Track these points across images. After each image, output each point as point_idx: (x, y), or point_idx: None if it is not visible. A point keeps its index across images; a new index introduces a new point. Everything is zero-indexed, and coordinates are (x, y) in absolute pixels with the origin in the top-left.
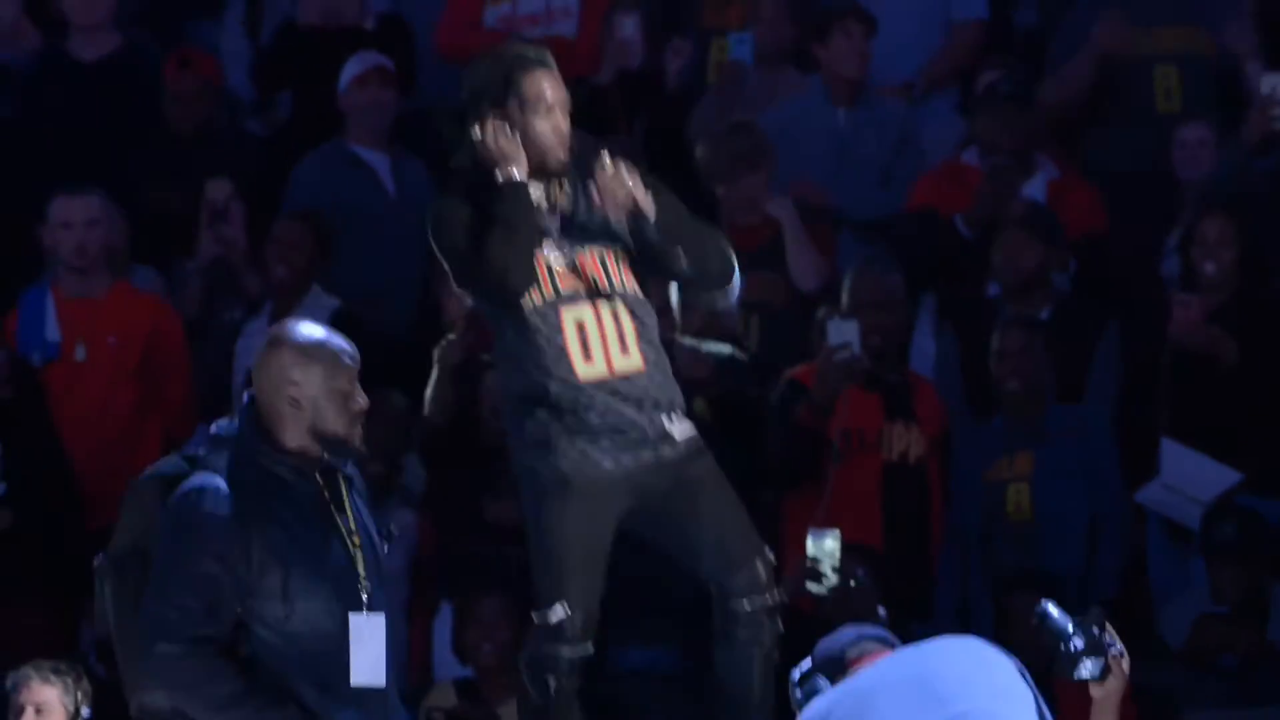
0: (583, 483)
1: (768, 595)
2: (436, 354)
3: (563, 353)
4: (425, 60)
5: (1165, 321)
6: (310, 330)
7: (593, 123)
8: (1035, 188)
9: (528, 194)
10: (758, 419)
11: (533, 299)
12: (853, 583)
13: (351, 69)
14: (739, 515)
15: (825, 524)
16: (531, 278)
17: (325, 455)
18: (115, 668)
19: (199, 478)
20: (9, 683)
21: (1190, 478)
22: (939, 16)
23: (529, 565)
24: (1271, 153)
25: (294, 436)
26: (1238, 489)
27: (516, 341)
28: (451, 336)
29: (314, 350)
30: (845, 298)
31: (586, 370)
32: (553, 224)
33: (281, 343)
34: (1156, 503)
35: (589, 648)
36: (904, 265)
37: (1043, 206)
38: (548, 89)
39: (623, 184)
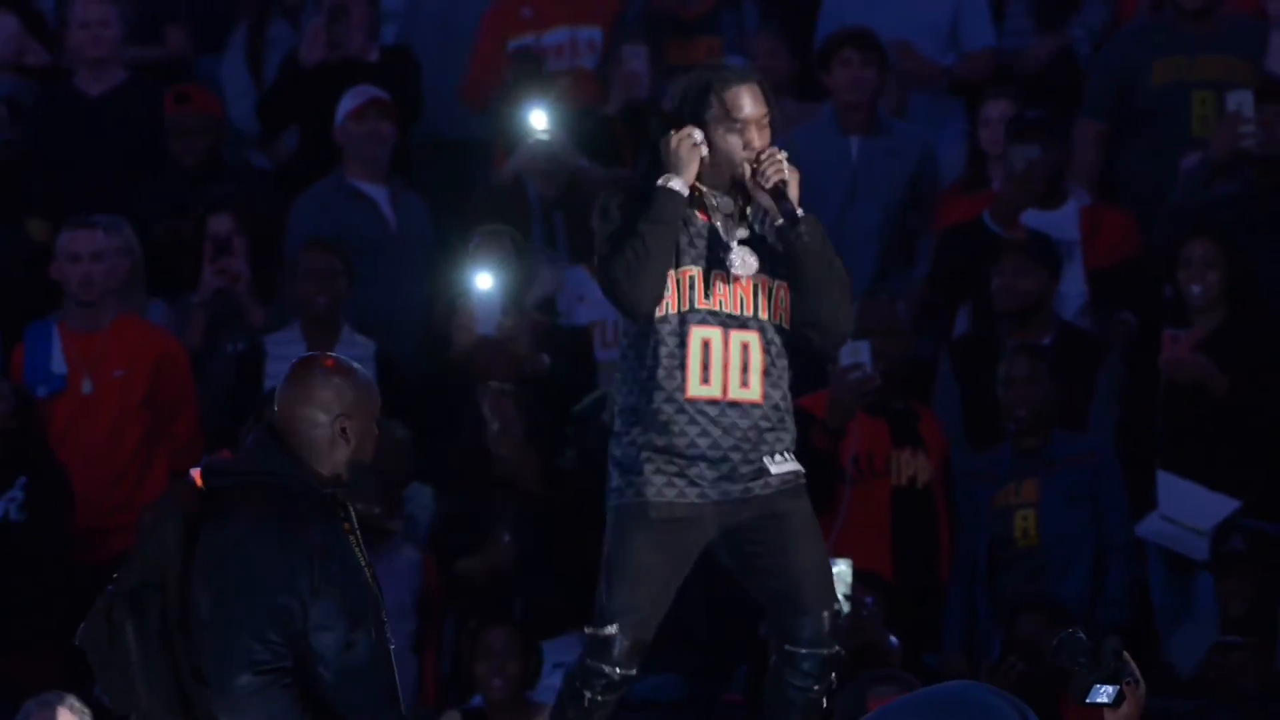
0: (663, 514)
1: (828, 648)
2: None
3: (680, 368)
4: (432, 92)
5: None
6: (355, 364)
7: (599, 154)
8: (1068, 214)
9: (678, 205)
10: None
11: (668, 308)
12: (863, 612)
13: (348, 102)
14: (820, 563)
15: (837, 550)
16: (651, 292)
17: (348, 487)
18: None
19: (249, 513)
20: (24, 711)
21: (1188, 509)
22: (946, 44)
23: (539, 596)
24: (1239, 171)
25: (330, 465)
26: (1237, 516)
27: (640, 348)
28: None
29: (368, 386)
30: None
31: (699, 390)
32: (733, 237)
33: (342, 373)
34: (1157, 535)
35: (633, 673)
36: (943, 281)
37: (1043, 234)
38: (744, 104)
39: (779, 165)
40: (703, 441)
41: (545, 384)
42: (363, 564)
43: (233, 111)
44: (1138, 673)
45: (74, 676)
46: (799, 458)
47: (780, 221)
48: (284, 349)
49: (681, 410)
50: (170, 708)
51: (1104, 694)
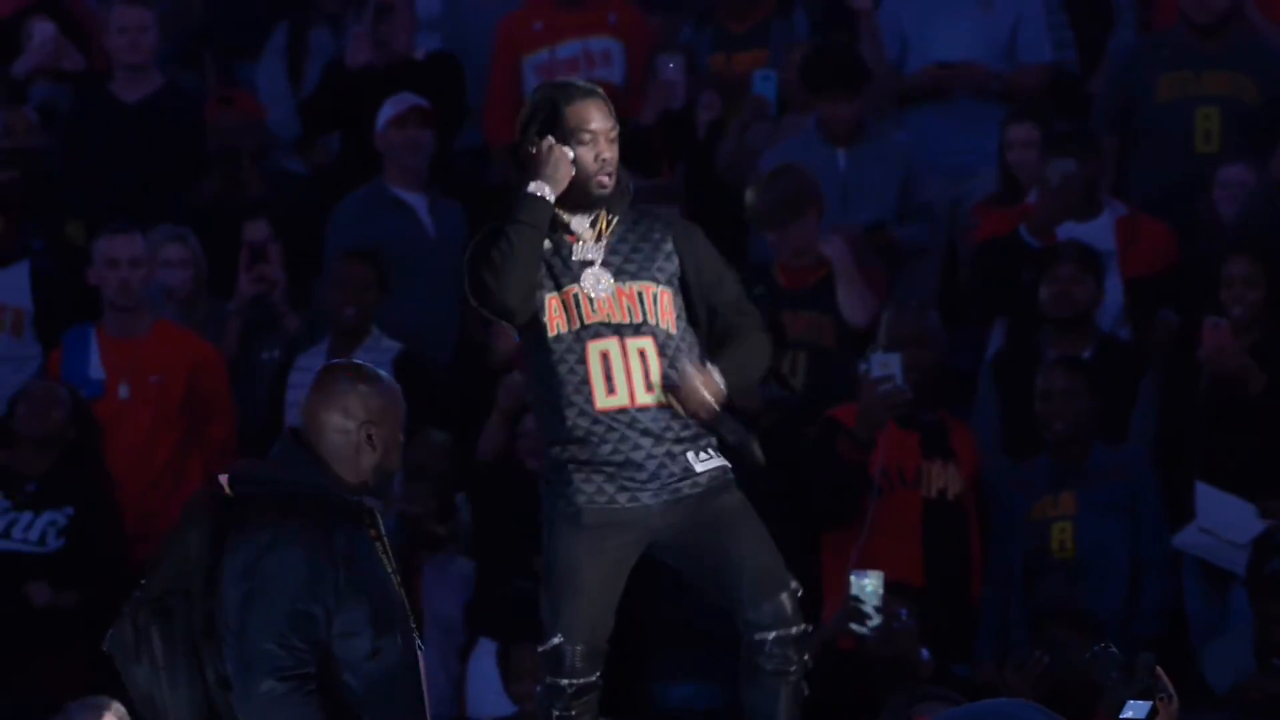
0: (594, 518)
1: (793, 627)
2: (500, 393)
3: (584, 384)
4: (475, 99)
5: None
6: (382, 371)
7: (635, 164)
8: (1104, 225)
9: (544, 211)
10: (801, 456)
11: (560, 328)
12: (895, 624)
13: (388, 110)
14: (765, 548)
15: (865, 561)
16: (517, 292)
17: (375, 493)
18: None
19: (275, 519)
20: (67, 713)
21: (1226, 521)
22: (1001, 54)
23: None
24: None
25: (355, 473)
26: (1277, 530)
27: (543, 372)
28: (516, 375)
29: (394, 393)
30: (883, 335)
31: (607, 401)
32: (597, 254)
33: (368, 380)
34: (1194, 547)
35: (594, 680)
36: (978, 294)
37: (1091, 247)
38: (592, 118)
39: (703, 400)
40: (624, 447)
41: None
42: (390, 571)
43: (270, 117)
44: (1171, 688)
45: (105, 683)
46: (827, 468)
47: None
48: (313, 362)
49: (596, 422)
50: (196, 713)
51: (1137, 710)
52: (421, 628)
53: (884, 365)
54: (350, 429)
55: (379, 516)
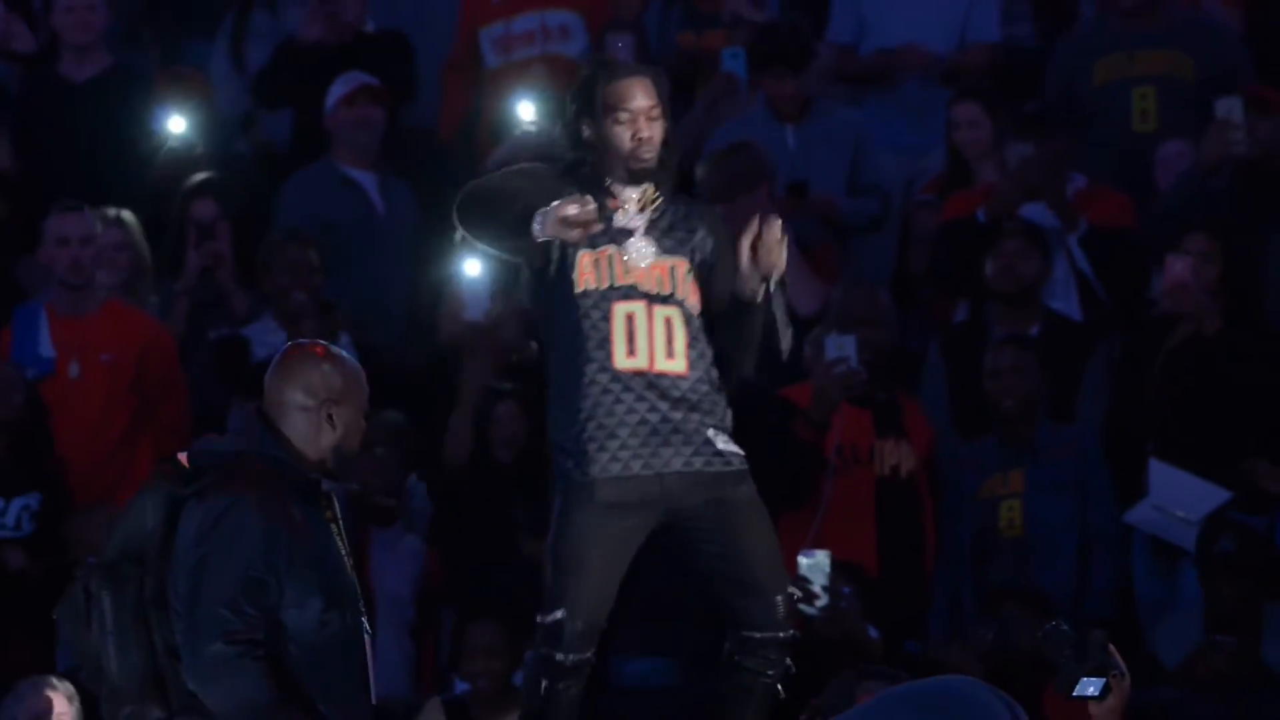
0: (608, 493)
1: (781, 631)
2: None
3: (606, 341)
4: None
5: (1153, 341)
6: (345, 353)
7: None
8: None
9: (533, 248)
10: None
11: (589, 284)
12: (841, 602)
13: (339, 88)
14: (772, 548)
15: (820, 539)
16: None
17: (333, 474)
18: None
19: (232, 488)
20: (16, 693)
21: (1179, 497)
22: (955, 34)
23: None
24: (1225, 173)
25: (315, 451)
26: (1227, 507)
27: (564, 328)
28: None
29: (357, 374)
30: (834, 315)
31: (626, 362)
32: (639, 223)
33: (331, 360)
34: (1146, 523)
35: (588, 656)
36: (939, 277)
37: (1039, 224)
38: (631, 96)
39: (779, 256)
40: (640, 406)
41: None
42: (343, 553)
43: (220, 96)
44: (1123, 665)
45: (49, 662)
46: (782, 449)
47: (748, 294)
48: (265, 337)
49: (615, 379)
50: (142, 682)
51: (1090, 687)
52: (372, 605)
53: (839, 347)
54: (311, 407)
55: (335, 500)
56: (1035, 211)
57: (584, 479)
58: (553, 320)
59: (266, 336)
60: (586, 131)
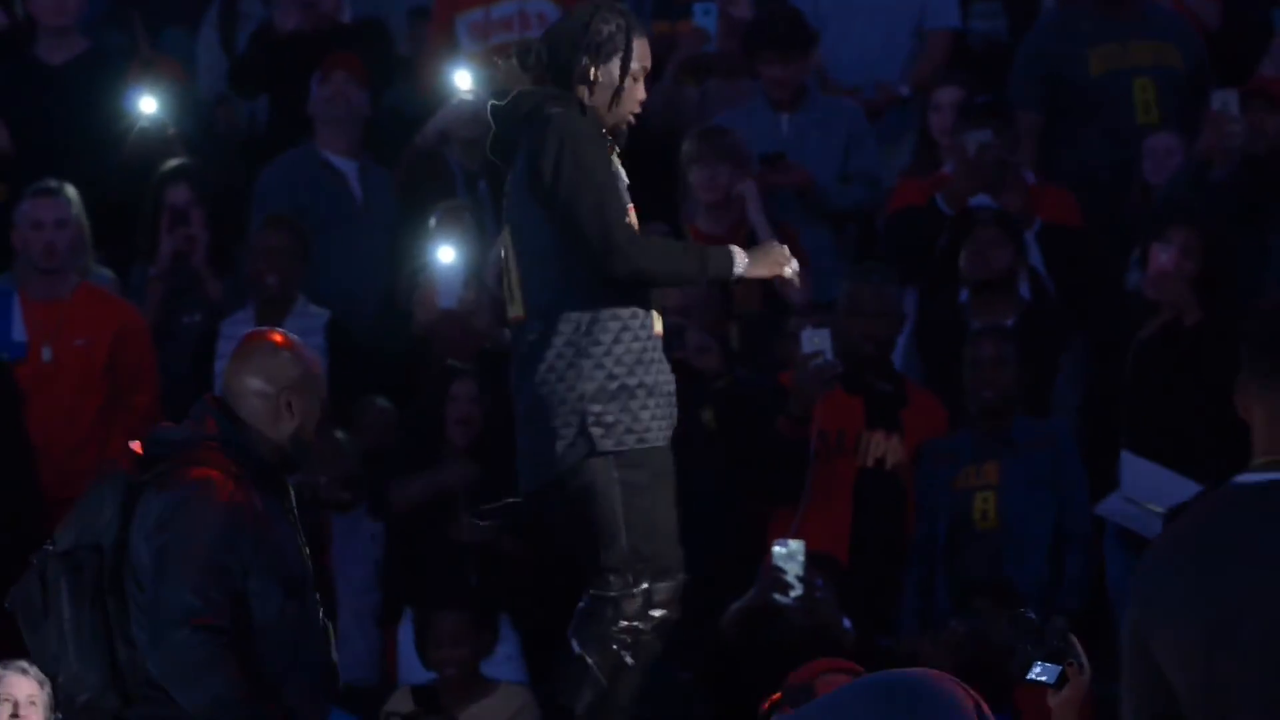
0: (656, 458)
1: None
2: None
3: (647, 302)
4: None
5: (1130, 334)
6: (303, 342)
7: None
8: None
9: (720, 279)
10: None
11: None
12: (816, 593)
13: (322, 74)
14: None
15: (801, 528)
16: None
17: (291, 462)
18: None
19: (193, 476)
20: None
21: (1150, 490)
22: (911, 24)
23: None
24: (1224, 167)
25: (273, 438)
26: (1197, 500)
27: (610, 293)
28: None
29: (315, 363)
30: (843, 304)
31: (658, 324)
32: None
33: (290, 348)
34: (1117, 515)
35: (676, 616)
36: (893, 262)
37: (1010, 214)
38: (648, 57)
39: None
40: (667, 373)
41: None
42: (301, 543)
43: (203, 83)
44: (1084, 657)
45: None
46: (769, 442)
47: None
48: (238, 330)
49: (657, 346)
50: (100, 670)
51: (1045, 673)
52: (331, 593)
53: (813, 341)
54: (270, 394)
55: (290, 488)
56: (988, 203)
57: (639, 444)
58: (594, 287)
59: (237, 329)
60: (595, 73)
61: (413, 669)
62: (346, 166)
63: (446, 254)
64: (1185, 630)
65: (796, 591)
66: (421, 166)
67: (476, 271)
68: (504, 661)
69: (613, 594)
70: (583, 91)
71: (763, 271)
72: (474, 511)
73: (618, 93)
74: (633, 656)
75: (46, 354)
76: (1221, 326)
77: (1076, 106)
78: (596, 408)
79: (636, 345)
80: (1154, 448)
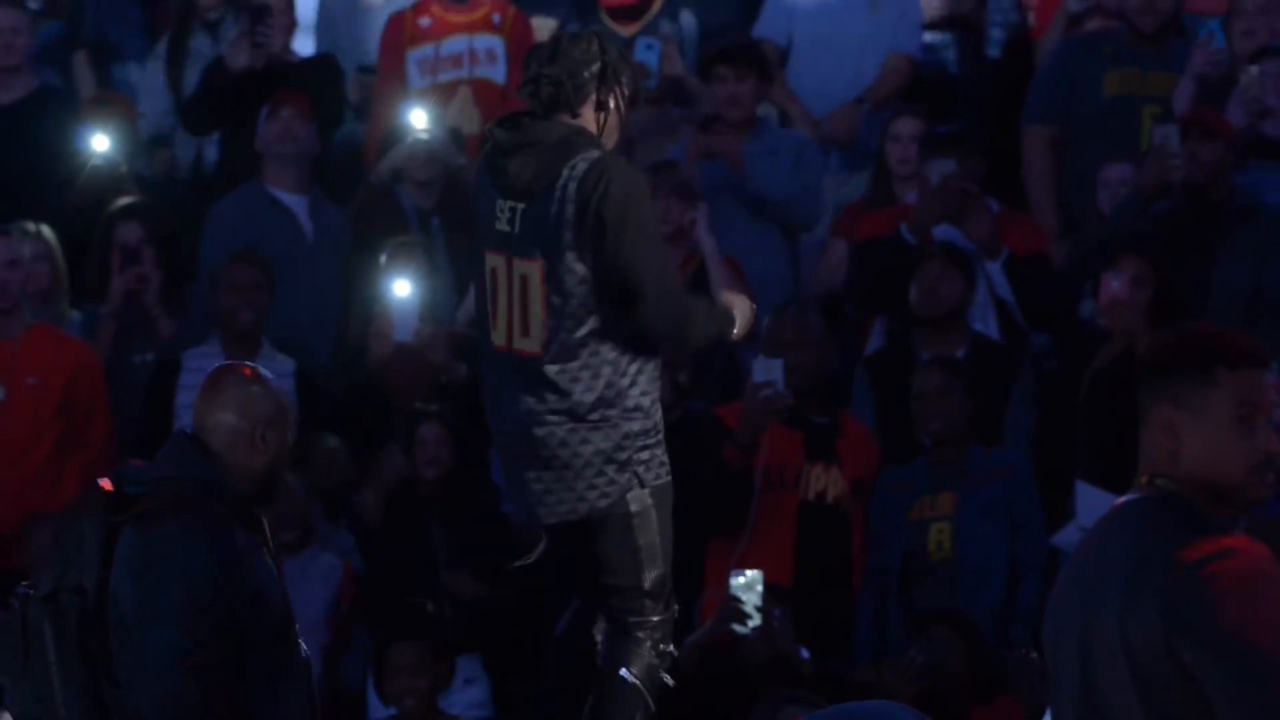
0: (668, 491)
1: None
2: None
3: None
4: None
5: (1081, 363)
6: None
7: None
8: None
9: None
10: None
11: None
12: (774, 623)
13: (268, 109)
14: None
15: (742, 561)
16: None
17: (264, 497)
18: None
19: (173, 514)
20: None
21: None
22: (880, 56)
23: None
24: (1167, 199)
25: (247, 474)
26: None
27: (636, 342)
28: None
29: (285, 398)
30: (764, 338)
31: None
32: None
33: (260, 382)
34: (1071, 545)
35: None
36: (859, 294)
37: (960, 246)
38: (637, 85)
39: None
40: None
41: (469, 398)
42: (276, 576)
43: (150, 122)
44: None
45: None
46: (711, 472)
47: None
48: (201, 363)
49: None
50: (89, 714)
51: None
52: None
53: (766, 370)
54: (244, 429)
55: (265, 525)
56: (951, 235)
57: (668, 477)
58: (621, 334)
59: (201, 363)
60: (609, 101)
61: (378, 707)
62: (295, 203)
63: (402, 288)
64: (1047, 641)
65: (755, 621)
66: (374, 203)
67: (431, 305)
68: (473, 708)
69: (655, 618)
70: (597, 120)
71: (741, 332)
72: (510, 562)
73: (621, 120)
74: (670, 678)
75: (0, 394)
76: None
77: (1085, 125)
78: (639, 444)
79: (653, 389)
80: (1109, 477)
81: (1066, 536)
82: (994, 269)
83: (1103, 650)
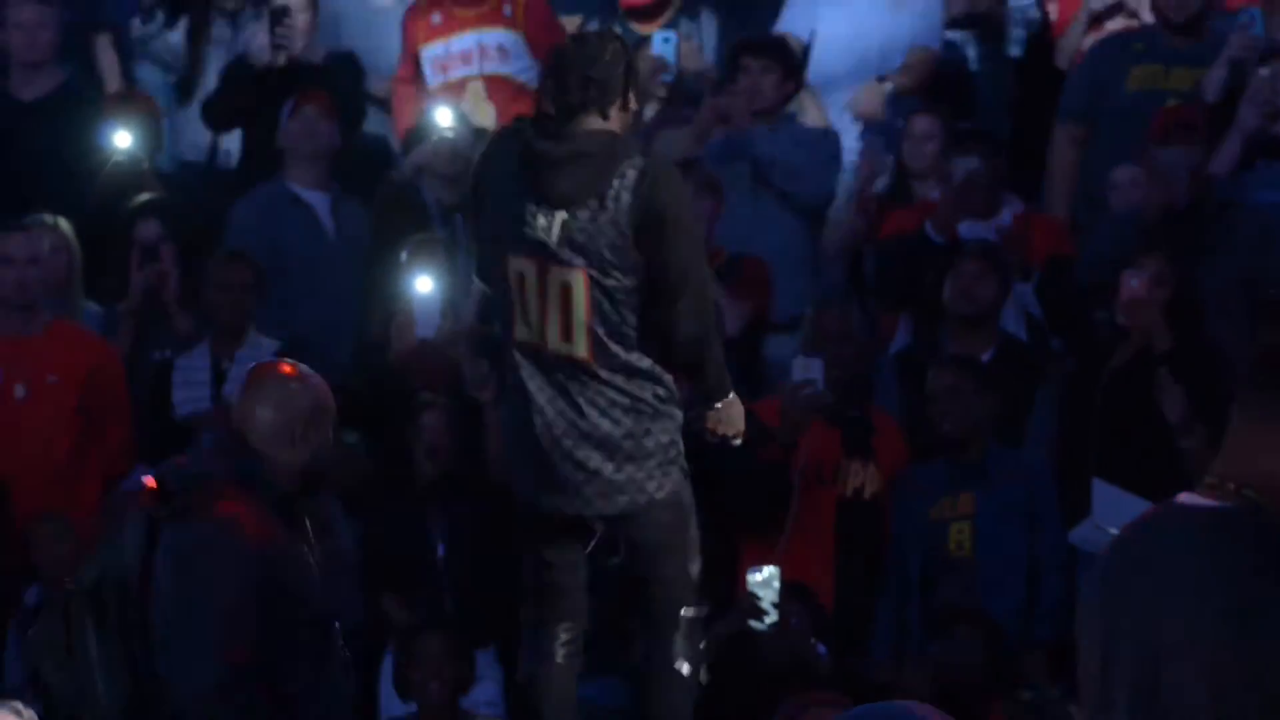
0: None
1: None
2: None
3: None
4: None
5: (1100, 363)
6: (314, 374)
7: None
8: (1003, 220)
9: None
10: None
11: None
12: (792, 620)
13: (291, 105)
14: None
15: (784, 559)
16: None
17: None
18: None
19: (216, 510)
20: None
21: (1122, 518)
22: (901, 56)
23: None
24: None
25: (287, 470)
26: None
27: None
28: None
29: (326, 393)
30: (807, 331)
31: None
32: None
33: (299, 378)
34: (1089, 543)
35: None
36: (882, 291)
37: (999, 245)
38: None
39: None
40: None
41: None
42: (316, 572)
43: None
44: None
45: None
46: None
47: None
48: (191, 361)
49: None
50: (128, 709)
51: None
52: None
53: (805, 369)
54: (283, 425)
55: (306, 521)
56: (979, 231)
57: (685, 476)
58: (650, 316)
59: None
60: (633, 100)
61: (390, 707)
62: (316, 199)
63: (425, 284)
64: (1091, 634)
65: (771, 617)
66: (396, 200)
67: (453, 302)
68: (487, 706)
69: (697, 613)
70: (622, 120)
71: (725, 427)
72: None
73: (638, 118)
74: (705, 675)
75: (20, 391)
76: (1192, 354)
77: (1107, 121)
78: (680, 437)
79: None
80: (1125, 475)
81: (1082, 534)
82: (1023, 287)
83: (1178, 660)
